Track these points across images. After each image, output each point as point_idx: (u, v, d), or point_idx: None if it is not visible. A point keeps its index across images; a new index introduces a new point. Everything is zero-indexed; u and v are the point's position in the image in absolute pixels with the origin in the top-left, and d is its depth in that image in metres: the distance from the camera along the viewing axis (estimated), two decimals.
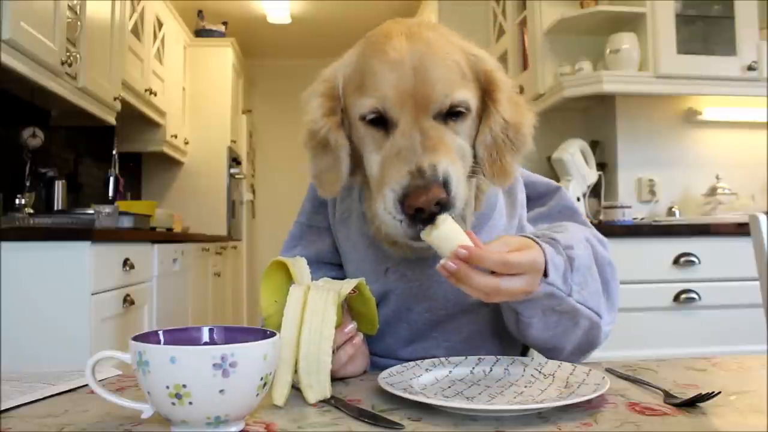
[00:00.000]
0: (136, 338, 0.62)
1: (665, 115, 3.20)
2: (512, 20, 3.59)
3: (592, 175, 3.03)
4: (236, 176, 5.37)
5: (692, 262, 2.51)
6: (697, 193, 3.15)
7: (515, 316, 0.87)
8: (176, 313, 3.37)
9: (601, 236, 1.03)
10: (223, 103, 5.22)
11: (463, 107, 0.80)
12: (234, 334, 0.68)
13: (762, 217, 1.52)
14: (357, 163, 0.87)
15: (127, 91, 3.62)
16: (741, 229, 2.37)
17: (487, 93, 0.84)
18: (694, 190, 3.17)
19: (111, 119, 3.32)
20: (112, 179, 3.87)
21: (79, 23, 2.84)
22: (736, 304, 2.47)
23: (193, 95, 5.13)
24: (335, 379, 0.81)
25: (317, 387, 0.71)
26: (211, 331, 0.69)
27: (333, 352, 0.74)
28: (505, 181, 0.85)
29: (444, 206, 0.74)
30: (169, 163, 5.01)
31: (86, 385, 0.78)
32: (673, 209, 3.09)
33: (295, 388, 0.73)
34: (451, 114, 0.80)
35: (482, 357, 0.85)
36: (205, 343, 0.68)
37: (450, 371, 0.81)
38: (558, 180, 3.04)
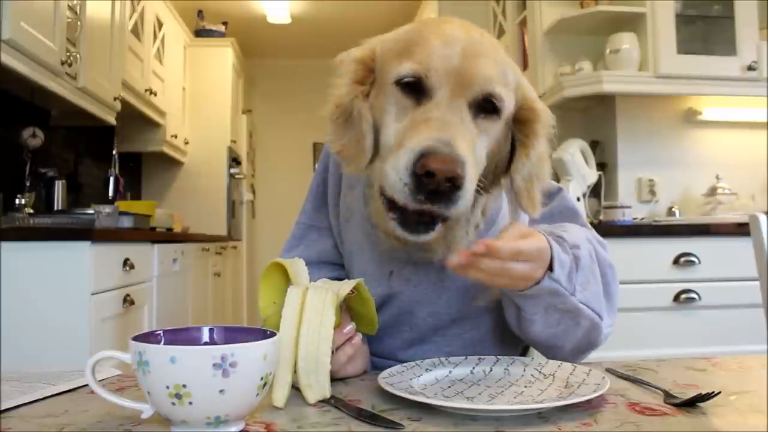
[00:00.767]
0: (136, 338, 0.62)
1: (665, 115, 3.20)
2: (512, 20, 3.59)
3: (592, 175, 3.03)
4: (236, 176, 5.37)
5: (692, 262, 2.51)
6: (697, 193, 3.15)
7: (517, 312, 0.86)
8: (176, 313, 3.37)
9: (600, 238, 1.03)
10: (223, 103, 5.22)
11: (497, 102, 0.79)
12: (234, 334, 0.68)
13: (762, 217, 1.52)
14: (375, 147, 0.83)
15: (127, 91, 3.62)
16: (741, 229, 2.36)
17: (527, 122, 0.84)
18: (694, 190, 3.17)
19: (111, 119, 3.32)
20: (112, 179, 3.87)
21: (79, 23, 2.84)
22: (736, 304, 2.47)
23: (193, 95, 5.13)
24: (335, 379, 0.81)
25: (317, 387, 0.71)
26: (211, 331, 0.69)
27: (332, 352, 0.74)
28: (535, 212, 0.85)
29: (454, 187, 0.70)
30: (169, 163, 5.01)
31: (86, 385, 0.78)
32: (673, 209, 3.09)
33: (295, 389, 0.73)
34: (484, 109, 0.79)
35: (482, 357, 0.85)
36: (205, 343, 0.68)
37: (450, 371, 0.81)
38: (558, 180, 3.04)
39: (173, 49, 4.72)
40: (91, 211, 2.90)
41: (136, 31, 3.90)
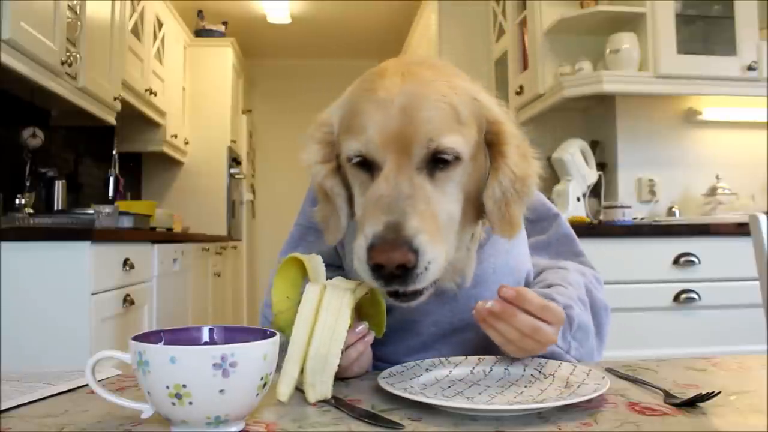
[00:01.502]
0: (136, 338, 0.62)
1: (665, 115, 3.20)
2: (512, 20, 3.59)
3: (592, 175, 3.03)
4: (236, 176, 5.37)
5: (692, 262, 2.51)
6: (697, 193, 3.15)
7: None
8: (176, 313, 3.37)
9: (597, 275, 1.07)
10: (223, 103, 5.22)
11: (450, 155, 0.74)
12: (234, 334, 0.68)
13: (762, 217, 1.52)
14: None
15: (127, 91, 3.62)
16: (741, 229, 2.36)
17: (493, 145, 0.81)
18: (694, 190, 3.17)
19: (111, 119, 3.32)
20: (112, 179, 3.87)
21: (79, 23, 2.84)
22: (736, 304, 2.47)
23: (193, 95, 5.13)
24: (339, 378, 0.81)
25: (319, 387, 0.71)
26: (211, 331, 0.69)
27: (341, 352, 0.74)
28: (512, 234, 0.82)
29: (409, 271, 0.70)
30: (169, 163, 5.01)
31: (86, 385, 0.78)
32: (673, 209, 3.09)
33: (297, 388, 0.73)
34: (439, 161, 0.75)
35: (482, 357, 0.85)
36: (205, 343, 0.68)
37: (450, 371, 0.81)
38: (558, 180, 3.04)
39: (173, 49, 4.72)
40: (91, 211, 2.90)
41: (136, 31, 3.89)
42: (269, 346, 0.62)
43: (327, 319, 0.73)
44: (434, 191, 0.75)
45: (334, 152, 0.83)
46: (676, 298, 2.50)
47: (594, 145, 3.16)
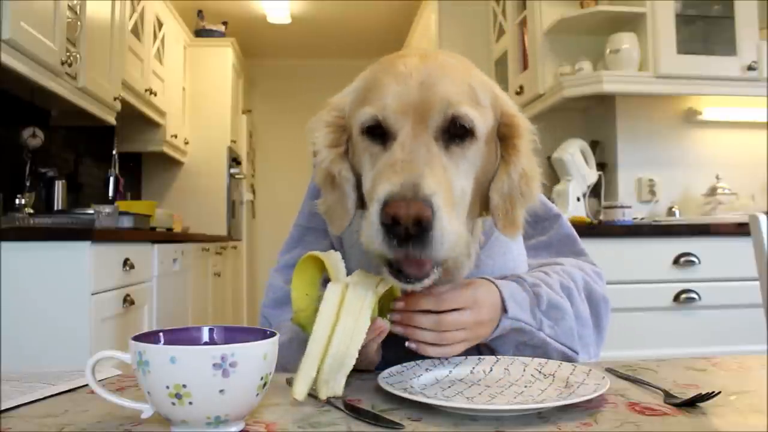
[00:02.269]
0: (136, 338, 0.62)
1: (665, 115, 3.20)
2: (512, 20, 3.59)
3: (592, 175, 3.03)
4: (236, 176, 5.37)
5: (692, 262, 2.51)
6: (697, 193, 3.15)
7: (491, 352, 0.91)
8: (176, 313, 3.37)
9: (597, 268, 1.07)
10: (223, 103, 5.22)
11: (467, 124, 0.74)
12: (234, 334, 0.68)
13: (762, 217, 1.52)
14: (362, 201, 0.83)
15: (127, 91, 3.62)
16: (741, 229, 2.36)
17: (506, 138, 0.80)
18: (694, 190, 3.17)
19: (111, 119, 3.32)
20: (112, 179, 3.87)
21: (79, 23, 2.84)
22: (736, 304, 2.47)
23: (193, 95, 5.13)
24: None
25: (332, 384, 0.72)
26: (211, 331, 0.69)
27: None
28: (514, 233, 0.81)
29: (424, 229, 0.66)
30: (169, 163, 5.01)
31: (86, 385, 0.78)
32: (673, 209, 3.09)
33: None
34: (455, 135, 0.74)
35: (482, 357, 0.86)
36: (205, 343, 0.68)
37: (450, 371, 0.81)
38: (558, 180, 3.04)
39: (173, 49, 4.72)
40: (91, 211, 2.90)
41: (136, 31, 3.90)
42: (269, 346, 0.62)
43: (347, 321, 0.72)
44: (449, 163, 0.73)
45: (344, 137, 0.82)
46: (676, 298, 2.50)
47: (594, 145, 3.16)
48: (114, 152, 4.00)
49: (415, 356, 0.95)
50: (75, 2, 2.80)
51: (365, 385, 0.80)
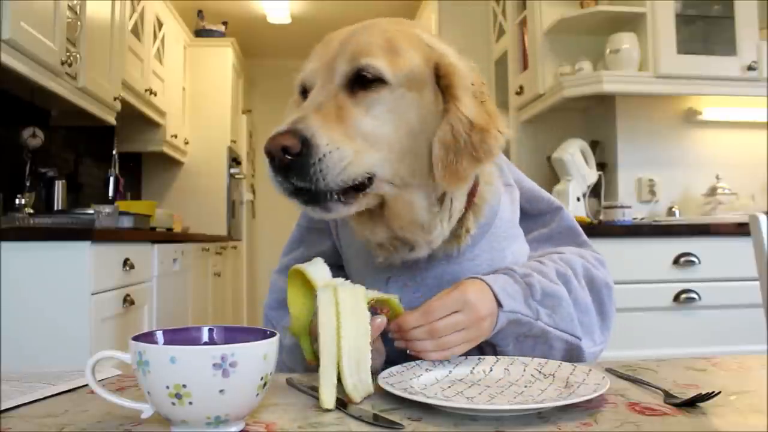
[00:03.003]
0: (136, 338, 0.62)
1: (665, 115, 3.20)
2: (512, 20, 3.59)
3: (592, 175, 3.03)
4: (236, 176, 5.37)
5: (692, 262, 2.51)
6: (697, 193, 3.15)
7: (492, 349, 0.90)
8: (176, 313, 3.37)
9: (599, 256, 1.06)
10: (223, 103, 5.22)
11: (370, 72, 0.76)
12: (234, 334, 0.68)
13: (762, 217, 1.52)
14: None
15: (127, 91, 3.62)
16: (741, 229, 2.36)
17: (445, 88, 0.80)
18: (694, 190, 3.17)
19: (111, 119, 3.32)
20: (112, 179, 3.87)
21: (79, 23, 2.84)
22: (736, 304, 2.47)
23: (193, 95, 5.13)
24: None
25: (361, 386, 0.71)
26: (211, 331, 0.69)
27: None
28: (455, 185, 0.80)
29: (296, 156, 0.71)
30: (169, 163, 5.01)
31: (86, 385, 0.78)
32: (673, 209, 3.09)
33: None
34: (362, 82, 0.77)
35: (482, 357, 0.85)
36: (205, 343, 0.68)
37: (450, 371, 0.81)
38: (558, 180, 3.04)
39: (173, 49, 4.72)
40: (91, 211, 2.90)
41: (136, 31, 3.90)
42: (269, 346, 0.62)
43: (348, 319, 0.72)
44: (353, 105, 0.76)
45: None
46: (676, 298, 2.50)
47: (594, 145, 3.16)
48: (114, 152, 4.00)
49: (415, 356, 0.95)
50: (75, 2, 2.80)
51: None
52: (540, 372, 0.80)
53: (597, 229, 2.58)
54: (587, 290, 0.97)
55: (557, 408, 0.66)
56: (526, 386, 0.75)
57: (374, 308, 0.80)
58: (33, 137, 2.96)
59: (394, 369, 0.79)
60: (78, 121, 3.33)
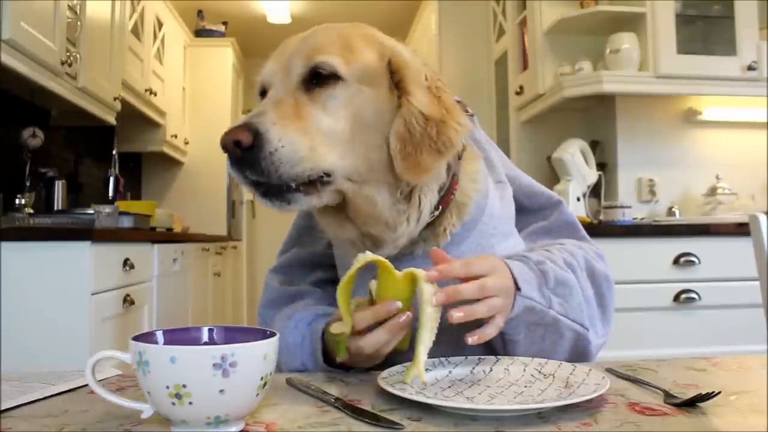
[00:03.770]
0: (136, 338, 0.62)
1: (665, 115, 3.20)
2: (512, 20, 3.59)
3: (592, 175, 3.03)
4: None
5: (692, 262, 2.51)
6: (697, 193, 3.15)
7: (501, 337, 0.88)
8: (176, 313, 3.37)
9: (598, 250, 1.05)
10: (223, 103, 5.22)
11: (325, 69, 0.78)
12: (234, 334, 0.68)
13: (762, 217, 1.52)
14: None
15: (127, 91, 3.62)
16: (741, 229, 2.36)
17: (399, 83, 0.82)
18: (694, 190, 3.17)
19: (111, 119, 3.32)
20: (112, 179, 3.87)
21: (79, 23, 2.84)
22: (736, 304, 2.47)
23: (193, 95, 5.13)
24: (341, 379, 0.80)
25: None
26: (211, 331, 0.69)
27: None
28: (417, 177, 0.80)
29: (246, 149, 0.73)
30: (169, 163, 5.01)
31: (86, 385, 0.78)
32: (673, 209, 3.09)
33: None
34: (318, 80, 0.78)
35: (482, 357, 0.85)
36: (205, 343, 0.68)
37: (450, 371, 0.81)
38: (558, 180, 3.04)
39: (173, 49, 4.72)
40: (91, 211, 2.90)
41: (136, 31, 3.90)
42: (269, 346, 0.62)
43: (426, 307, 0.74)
44: (309, 102, 0.78)
45: None
46: (676, 298, 2.50)
47: (594, 145, 3.16)
48: (114, 152, 4.00)
49: (404, 353, 0.95)
50: (75, 2, 2.80)
51: (365, 385, 0.80)
52: (540, 372, 0.80)
53: (597, 229, 2.58)
54: (588, 282, 0.96)
55: (557, 408, 0.66)
56: (526, 386, 0.75)
57: None
58: (33, 137, 2.96)
59: (394, 369, 0.79)
60: (78, 121, 3.34)
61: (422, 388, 0.74)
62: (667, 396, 0.70)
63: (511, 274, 0.83)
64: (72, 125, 3.50)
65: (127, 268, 2.53)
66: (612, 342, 1.02)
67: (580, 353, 0.94)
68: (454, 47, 4.19)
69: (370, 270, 0.78)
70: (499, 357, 0.85)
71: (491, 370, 0.82)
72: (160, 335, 0.67)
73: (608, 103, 3.20)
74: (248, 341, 0.62)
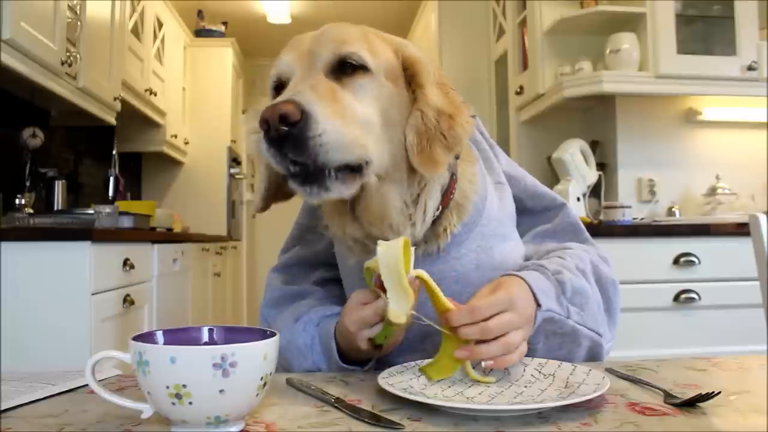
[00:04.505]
0: (136, 338, 0.62)
1: (665, 115, 3.20)
2: (512, 20, 3.59)
3: (592, 175, 3.03)
4: (236, 176, 5.37)
5: (692, 262, 2.51)
6: (697, 193, 3.15)
7: None
8: (176, 313, 3.37)
9: (604, 254, 1.05)
10: (223, 103, 5.22)
11: (355, 60, 0.77)
12: (234, 334, 0.68)
13: (762, 217, 1.52)
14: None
15: (127, 91, 3.62)
16: (741, 229, 2.36)
17: (413, 80, 0.82)
18: (694, 190, 3.17)
19: (111, 119, 3.32)
20: (112, 179, 3.87)
21: (79, 23, 2.84)
22: (736, 304, 2.47)
23: (193, 95, 5.13)
24: (343, 379, 0.80)
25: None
26: (211, 331, 0.69)
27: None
28: (431, 171, 0.80)
29: (294, 127, 0.68)
30: (169, 163, 5.01)
31: (86, 385, 0.78)
32: (673, 209, 3.09)
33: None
34: (346, 69, 0.77)
35: None
36: (205, 343, 0.68)
37: None
38: (558, 180, 3.04)
39: (173, 49, 4.72)
40: (91, 211, 2.90)
41: (136, 31, 3.90)
42: (269, 346, 0.62)
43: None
44: (341, 90, 0.76)
45: None
46: (676, 298, 2.50)
47: (594, 145, 3.16)
48: (114, 152, 4.00)
49: (406, 353, 0.95)
50: (75, 2, 2.80)
51: (365, 385, 0.80)
52: (540, 372, 0.80)
53: (597, 229, 2.58)
54: (596, 286, 0.97)
55: (557, 408, 0.66)
56: (526, 386, 0.75)
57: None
58: (33, 137, 2.96)
59: (394, 369, 0.79)
60: (78, 121, 3.33)
61: (422, 388, 0.74)
62: (667, 396, 0.70)
63: (529, 287, 0.83)
64: (72, 125, 3.50)
65: (127, 268, 2.53)
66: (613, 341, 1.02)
67: (593, 359, 0.95)
68: (454, 47, 4.19)
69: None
70: None
71: (491, 370, 0.82)
72: (160, 335, 0.67)
73: (608, 103, 3.20)
74: (248, 341, 0.62)
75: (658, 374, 0.83)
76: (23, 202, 2.82)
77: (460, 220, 0.90)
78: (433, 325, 0.77)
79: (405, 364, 0.82)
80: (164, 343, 0.65)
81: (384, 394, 0.72)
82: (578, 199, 2.95)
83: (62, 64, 2.61)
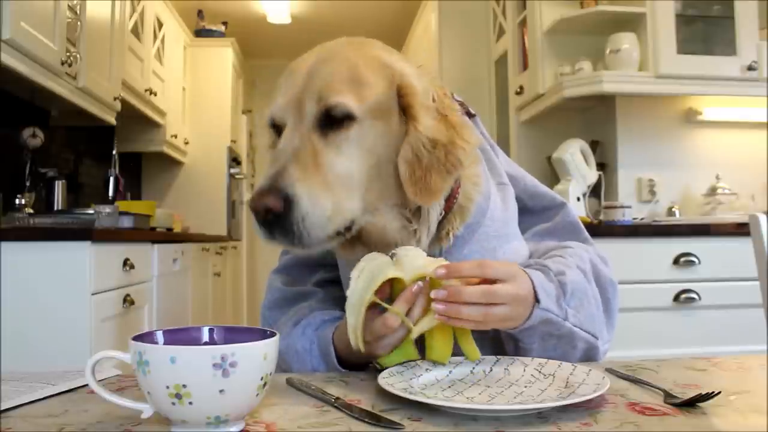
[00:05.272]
0: (136, 338, 0.62)
1: (665, 115, 3.20)
2: (512, 20, 3.59)
3: (592, 175, 3.03)
4: (236, 176, 5.37)
5: (692, 262, 2.51)
6: (697, 193, 3.15)
7: (514, 344, 0.89)
8: (176, 313, 3.37)
9: (603, 254, 1.05)
10: (223, 103, 5.22)
11: (338, 113, 0.77)
12: (234, 334, 0.68)
13: (762, 217, 1.52)
14: None
15: (127, 91, 3.62)
16: (741, 229, 2.36)
17: (405, 108, 0.81)
18: (694, 190, 3.17)
19: (111, 119, 3.32)
20: (112, 179, 3.87)
21: (79, 23, 2.84)
22: (736, 304, 2.47)
23: (193, 95, 5.13)
24: (341, 379, 0.80)
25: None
26: (211, 331, 0.69)
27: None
28: (427, 201, 0.81)
29: (285, 219, 0.73)
30: (169, 163, 5.01)
31: (86, 385, 0.78)
32: (673, 209, 3.09)
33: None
34: (331, 122, 0.77)
35: (482, 357, 0.85)
36: (205, 343, 0.68)
37: (450, 371, 0.81)
38: (558, 180, 3.04)
39: (173, 49, 4.72)
40: (91, 211, 2.90)
41: (136, 31, 3.90)
42: (269, 346, 0.62)
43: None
44: (326, 148, 0.77)
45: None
46: (676, 298, 2.50)
47: (594, 145, 3.16)
48: (114, 152, 4.00)
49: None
50: (75, 2, 2.80)
51: (365, 385, 0.80)
52: (540, 372, 0.80)
53: (597, 229, 2.58)
54: (595, 286, 0.96)
55: (557, 408, 0.66)
56: (526, 386, 0.75)
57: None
58: (33, 137, 2.96)
59: (394, 369, 0.79)
60: (78, 121, 3.33)
61: (422, 388, 0.74)
62: (667, 396, 0.70)
63: (532, 284, 0.83)
64: (72, 125, 3.50)
65: (127, 268, 2.53)
66: (612, 342, 1.02)
67: (588, 360, 0.95)
68: (454, 47, 4.19)
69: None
70: (499, 357, 0.85)
71: (491, 370, 0.82)
72: (160, 335, 0.67)
73: (608, 103, 3.20)
74: (248, 341, 0.62)
75: (658, 374, 0.83)
76: (23, 202, 2.82)
77: (463, 222, 0.90)
78: (391, 308, 0.79)
79: (405, 364, 0.82)
80: (164, 343, 0.65)
81: (384, 394, 0.72)
82: (578, 199, 2.95)
83: (62, 64, 2.61)
